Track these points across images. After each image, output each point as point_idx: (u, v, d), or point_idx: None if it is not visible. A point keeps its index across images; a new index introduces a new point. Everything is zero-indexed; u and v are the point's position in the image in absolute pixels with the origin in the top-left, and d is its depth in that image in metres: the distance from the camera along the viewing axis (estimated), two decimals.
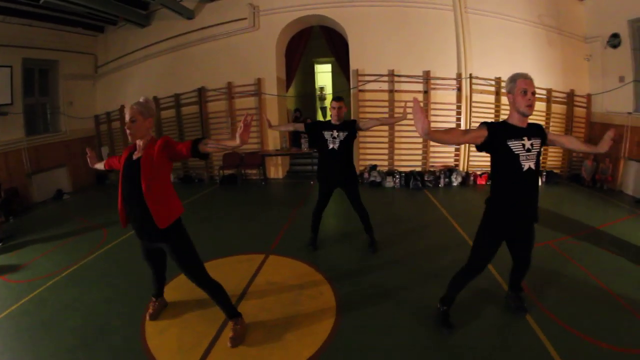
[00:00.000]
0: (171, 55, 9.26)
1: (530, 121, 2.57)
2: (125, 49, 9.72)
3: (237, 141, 2.27)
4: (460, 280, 2.90)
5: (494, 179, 2.66)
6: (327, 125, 4.23)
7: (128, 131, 2.48)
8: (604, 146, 2.60)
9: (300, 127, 4.38)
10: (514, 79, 2.47)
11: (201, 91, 9.03)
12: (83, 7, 7.54)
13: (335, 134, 4.16)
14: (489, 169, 2.71)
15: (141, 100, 2.57)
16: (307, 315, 3.25)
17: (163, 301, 3.36)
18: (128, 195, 2.53)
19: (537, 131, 2.55)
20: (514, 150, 2.43)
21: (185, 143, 2.46)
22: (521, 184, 2.50)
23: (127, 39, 9.66)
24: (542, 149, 2.58)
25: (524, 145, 2.45)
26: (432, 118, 8.47)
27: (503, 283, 3.63)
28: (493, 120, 8.35)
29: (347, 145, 4.21)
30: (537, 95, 7.50)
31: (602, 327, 2.97)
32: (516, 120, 2.51)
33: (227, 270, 4.09)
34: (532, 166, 2.48)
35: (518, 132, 2.47)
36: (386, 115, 8.23)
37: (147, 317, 3.20)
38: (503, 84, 8.33)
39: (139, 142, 2.56)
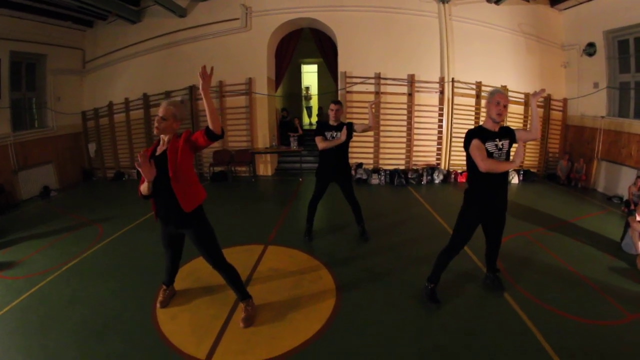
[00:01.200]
0: (162, 53, 9.30)
1: (503, 125, 3.13)
2: (114, 45, 9.68)
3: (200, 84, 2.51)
4: (443, 259, 3.33)
5: (471, 172, 3.12)
6: (327, 126, 4.56)
7: (156, 124, 2.62)
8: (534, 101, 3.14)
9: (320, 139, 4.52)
10: (493, 93, 3.00)
11: (192, 89, 9.08)
12: (75, 1, 7.52)
13: (333, 133, 4.50)
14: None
15: (179, 99, 2.68)
16: (310, 296, 3.51)
17: (172, 289, 3.49)
18: (159, 185, 2.65)
19: (507, 133, 3.08)
20: (489, 150, 2.98)
21: (200, 130, 2.67)
22: (493, 175, 3.00)
23: (117, 35, 9.62)
24: (510, 148, 3.12)
25: (496, 145, 3.01)
26: (416, 119, 8.86)
27: (482, 267, 3.97)
28: (472, 123, 8.85)
29: (344, 145, 4.52)
30: (516, 99, 7.88)
31: (571, 303, 3.35)
32: (489, 125, 3.04)
33: (230, 260, 4.04)
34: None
35: (492, 135, 3.02)
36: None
37: (158, 305, 3.29)
38: (483, 88, 8.79)
39: (164, 137, 2.73)
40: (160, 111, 2.61)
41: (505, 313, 3.21)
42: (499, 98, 2.94)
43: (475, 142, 2.91)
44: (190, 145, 2.70)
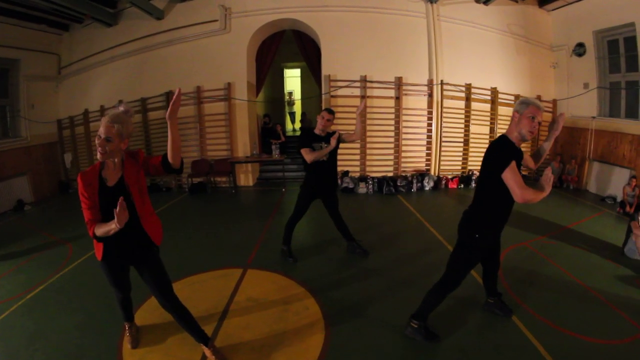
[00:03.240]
0: (138, 57, 8.90)
1: None
2: (90, 49, 9.26)
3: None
4: (437, 295, 2.85)
5: (489, 196, 2.61)
6: (316, 137, 4.14)
7: (99, 149, 2.13)
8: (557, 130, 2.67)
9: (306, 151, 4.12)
10: (528, 103, 2.46)
11: (169, 95, 8.69)
12: (48, 3, 7.11)
13: (322, 145, 4.10)
14: (485, 191, 2.65)
15: (121, 108, 2.25)
16: (295, 331, 3.10)
17: (136, 325, 3.12)
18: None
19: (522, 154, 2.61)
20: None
21: (157, 157, 2.34)
22: (512, 201, 2.51)
23: (93, 39, 9.21)
24: None
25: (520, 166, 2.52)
26: (404, 124, 8.58)
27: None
28: (463, 127, 8.55)
29: (335, 156, 4.18)
30: (506, 101, 7.64)
31: (583, 322, 3.14)
32: (514, 139, 2.51)
33: (204, 288, 3.86)
34: None
35: (520, 155, 2.51)
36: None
37: (130, 346, 2.91)
38: (473, 90, 8.55)
39: (110, 162, 2.27)
40: (103, 131, 2.12)
41: (515, 340, 2.90)
42: (534, 112, 2.41)
43: (513, 165, 2.35)
44: (145, 170, 2.34)
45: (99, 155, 2.16)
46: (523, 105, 2.46)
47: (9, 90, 8.61)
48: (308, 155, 4.01)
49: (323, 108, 8.33)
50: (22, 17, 8.16)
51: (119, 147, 2.21)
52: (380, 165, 8.74)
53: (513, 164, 2.35)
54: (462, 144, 8.87)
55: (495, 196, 2.53)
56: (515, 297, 3.52)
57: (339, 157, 4.36)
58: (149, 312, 3.37)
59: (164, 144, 8.81)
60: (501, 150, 2.45)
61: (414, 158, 8.81)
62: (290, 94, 14.80)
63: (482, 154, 2.61)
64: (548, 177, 2.31)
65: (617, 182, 7.40)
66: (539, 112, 2.43)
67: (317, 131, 4.16)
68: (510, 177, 2.34)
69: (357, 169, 8.74)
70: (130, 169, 2.28)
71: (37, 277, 4.31)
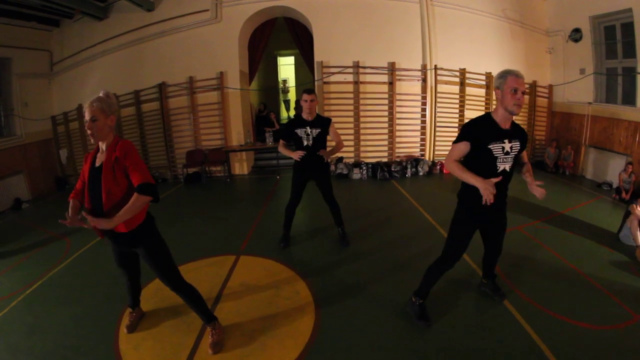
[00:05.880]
0: (130, 50, 8.85)
1: (515, 121, 2.55)
2: (82, 44, 9.19)
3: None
4: (435, 271, 2.84)
5: (473, 170, 2.53)
6: (300, 122, 4.00)
7: (89, 131, 2.21)
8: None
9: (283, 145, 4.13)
10: (505, 75, 2.36)
11: (162, 87, 8.66)
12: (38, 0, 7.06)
13: (308, 130, 3.96)
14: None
15: (101, 94, 2.30)
16: (285, 315, 3.13)
17: (140, 311, 3.13)
18: (92, 203, 2.30)
19: (519, 134, 2.53)
20: (494, 153, 2.41)
21: (136, 179, 2.25)
22: (490, 172, 2.45)
23: (84, 34, 9.14)
24: (520, 154, 2.59)
25: (503, 148, 2.42)
26: (397, 109, 8.54)
27: (478, 269, 3.63)
28: (457, 112, 8.55)
29: (322, 142, 4.04)
30: None
31: (576, 307, 3.09)
32: (500, 117, 2.44)
33: (198, 275, 3.87)
34: (508, 168, 2.49)
35: (500, 135, 2.42)
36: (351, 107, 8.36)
37: (125, 330, 2.95)
38: (468, 75, 8.49)
39: (102, 145, 2.30)
40: (86, 115, 2.20)
41: (507, 326, 2.85)
42: (514, 84, 2.28)
43: (462, 145, 2.43)
44: (123, 170, 2.25)
45: (91, 139, 2.25)
46: (501, 79, 2.36)
47: (2, 89, 8.55)
48: (279, 148, 4.10)
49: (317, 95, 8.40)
50: (12, 15, 8.08)
51: (107, 125, 2.26)
52: (375, 151, 8.72)
53: (463, 144, 2.44)
54: (456, 129, 8.79)
55: (473, 168, 2.45)
56: (507, 281, 3.50)
57: (333, 141, 4.24)
58: (146, 298, 3.38)
59: (158, 136, 8.81)
60: (466, 127, 2.49)
61: (409, 143, 8.78)
62: (285, 81, 14.74)
63: None
64: (490, 185, 2.28)
65: (614, 168, 7.32)
66: (520, 82, 2.31)
67: (304, 115, 4.02)
68: (453, 148, 2.52)
69: (352, 155, 8.71)
70: (109, 157, 2.25)
71: (35, 273, 4.31)
